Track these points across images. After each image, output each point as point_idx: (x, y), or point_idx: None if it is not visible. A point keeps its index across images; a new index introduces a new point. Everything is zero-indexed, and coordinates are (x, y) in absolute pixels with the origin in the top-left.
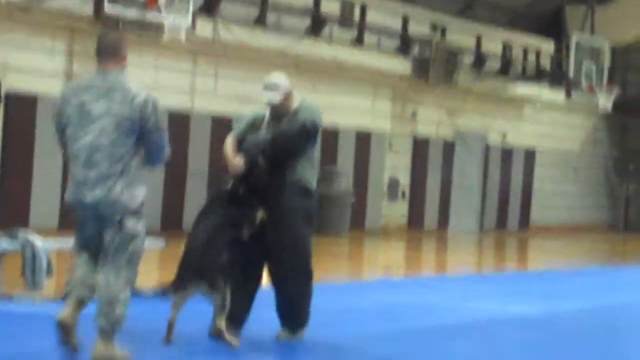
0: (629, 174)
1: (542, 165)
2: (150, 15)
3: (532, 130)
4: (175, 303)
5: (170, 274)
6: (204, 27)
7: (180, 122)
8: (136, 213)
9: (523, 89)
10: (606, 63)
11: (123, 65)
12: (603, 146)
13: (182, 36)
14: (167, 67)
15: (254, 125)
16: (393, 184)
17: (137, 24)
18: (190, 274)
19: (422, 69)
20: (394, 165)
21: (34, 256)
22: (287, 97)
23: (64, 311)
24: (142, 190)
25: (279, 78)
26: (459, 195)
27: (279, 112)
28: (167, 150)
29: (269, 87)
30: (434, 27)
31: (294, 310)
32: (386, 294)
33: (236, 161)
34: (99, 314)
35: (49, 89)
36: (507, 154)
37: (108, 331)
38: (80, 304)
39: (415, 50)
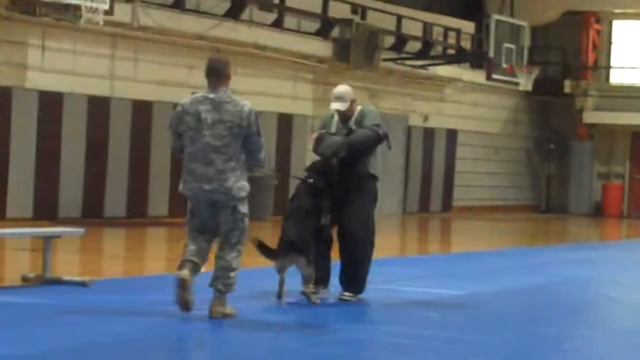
0: (550, 153)
1: (464, 146)
2: None
3: (454, 111)
4: (279, 268)
5: (90, 261)
6: (123, 11)
7: (100, 107)
8: (244, 200)
9: (444, 70)
10: (526, 43)
11: (228, 83)
12: (524, 126)
13: (100, 20)
14: (86, 52)
15: (324, 125)
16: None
17: (54, 7)
18: (292, 249)
19: (342, 51)
20: None
21: None
22: (352, 104)
23: (183, 271)
24: (246, 182)
25: (345, 90)
26: (381, 177)
27: (345, 116)
28: (264, 152)
29: (337, 99)
30: (354, 9)
31: (358, 273)
32: None
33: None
34: (216, 280)
35: None
36: (429, 136)
37: (223, 292)
38: (195, 268)
39: (336, 32)
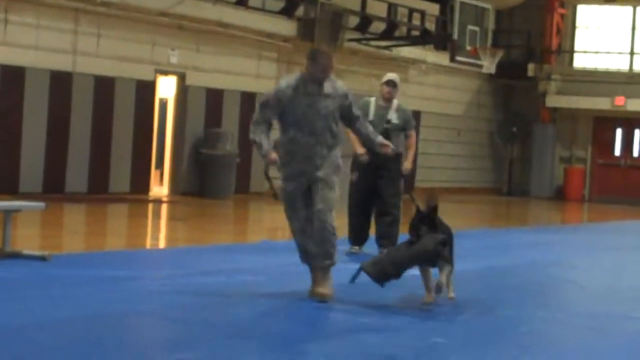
0: (512, 136)
1: (426, 127)
2: None
3: (417, 92)
4: None
5: (51, 236)
6: None
7: (62, 82)
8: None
9: (408, 52)
10: (490, 26)
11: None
12: (487, 109)
13: None
14: (49, 27)
15: (363, 110)
16: (278, 146)
17: None
18: None
19: (307, 30)
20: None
21: None
22: (397, 89)
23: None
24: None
25: (396, 77)
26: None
27: (388, 99)
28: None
29: (391, 78)
30: None
31: (392, 228)
32: (269, 256)
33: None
34: None
35: None
36: None
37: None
38: None
39: (301, 11)
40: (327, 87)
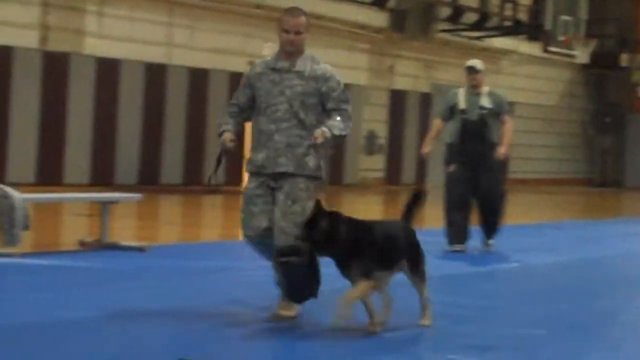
0: (605, 127)
1: (519, 118)
2: None
3: (510, 83)
4: None
5: (147, 227)
6: None
7: (156, 74)
8: None
9: (500, 42)
10: (583, 15)
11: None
12: (580, 99)
13: None
14: (143, 19)
15: (449, 102)
16: (371, 138)
17: None
18: None
19: (399, 21)
20: (371, 118)
21: (12, 209)
22: (482, 74)
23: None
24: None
25: (476, 63)
26: (436, 148)
27: (476, 87)
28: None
29: (471, 70)
30: None
31: (496, 219)
32: None
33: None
34: None
35: (24, 41)
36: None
37: None
38: None
39: (393, 2)
40: (302, 65)
